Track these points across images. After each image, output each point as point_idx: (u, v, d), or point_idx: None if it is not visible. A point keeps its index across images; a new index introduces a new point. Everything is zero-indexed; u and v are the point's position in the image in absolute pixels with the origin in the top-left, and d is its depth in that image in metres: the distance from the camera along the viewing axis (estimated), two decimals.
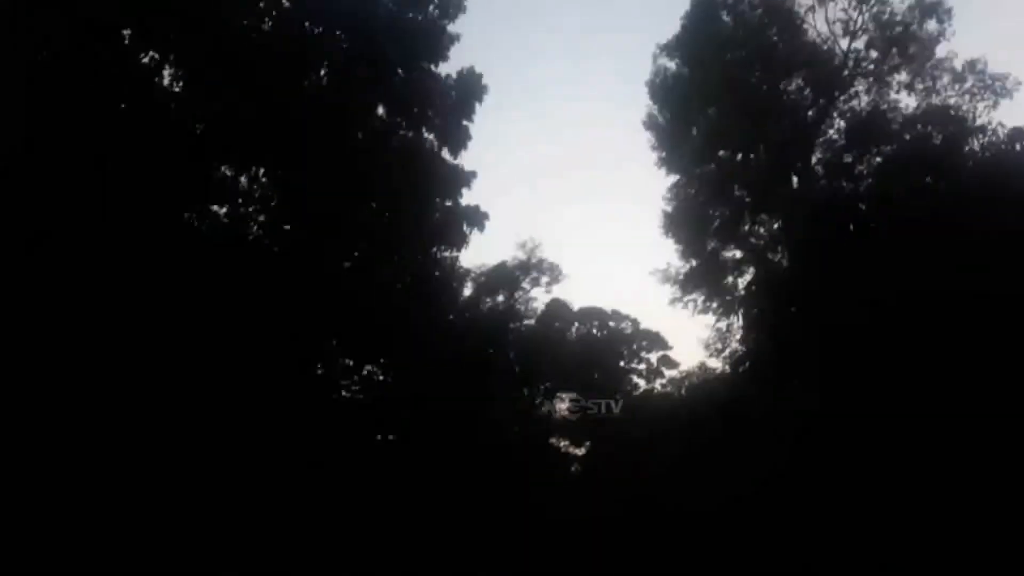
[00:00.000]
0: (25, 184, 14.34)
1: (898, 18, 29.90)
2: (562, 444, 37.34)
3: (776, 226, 30.82)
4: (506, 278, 36.84)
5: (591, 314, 41.15)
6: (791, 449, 22.06)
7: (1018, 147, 23.55)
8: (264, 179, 20.63)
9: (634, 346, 41.40)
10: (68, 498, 13.50)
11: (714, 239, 32.07)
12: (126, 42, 16.98)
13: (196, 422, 15.44)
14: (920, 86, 29.96)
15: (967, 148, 25.13)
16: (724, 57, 30.44)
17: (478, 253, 50.84)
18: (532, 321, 38.16)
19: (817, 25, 30.85)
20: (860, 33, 30.43)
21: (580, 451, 36.24)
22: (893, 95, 30.40)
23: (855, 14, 30.31)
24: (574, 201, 72.16)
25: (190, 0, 17.08)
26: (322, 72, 20.08)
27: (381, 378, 23.16)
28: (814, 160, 30.71)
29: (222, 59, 17.43)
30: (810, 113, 30.85)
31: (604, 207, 77.01)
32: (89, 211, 14.54)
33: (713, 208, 31.80)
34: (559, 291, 39.70)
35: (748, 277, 31.29)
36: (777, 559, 20.94)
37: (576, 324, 40.79)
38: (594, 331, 41.20)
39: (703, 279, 32.21)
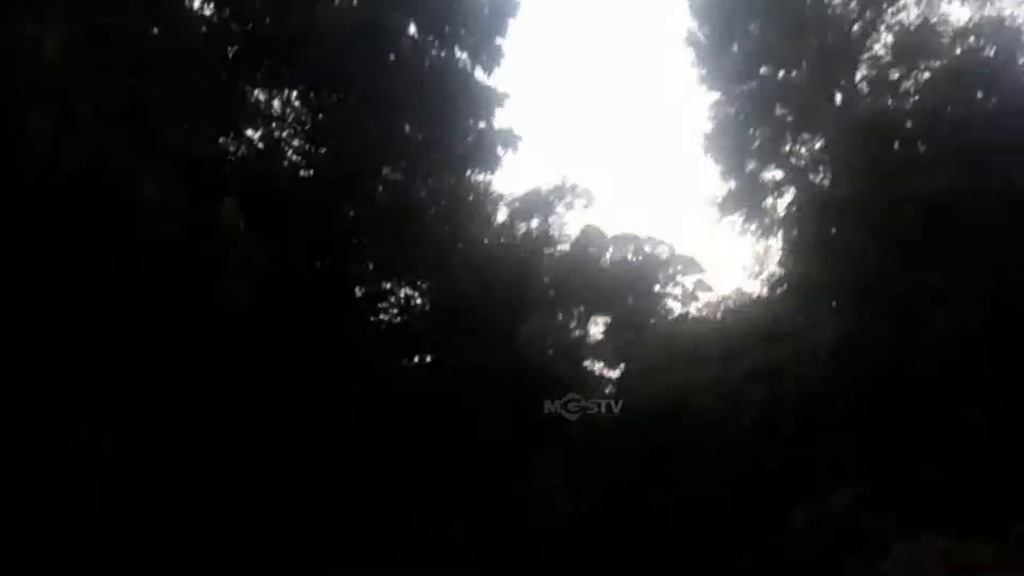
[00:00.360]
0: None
1: None
2: (596, 367, 37.68)
3: (818, 146, 29.95)
4: (540, 203, 36.48)
5: (626, 239, 40.79)
6: (825, 369, 22.06)
7: None
8: (297, 102, 20.62)
9: (669, 271, 41.12)
10: None
11: (754, 159, 31.26)
12: None
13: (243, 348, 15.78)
14: None
15: (1022, 61, 24.05)
16: None
17: (512, 176, 50.10)
18: (566, 246, 37.91)
19: None
20: None
21: (615, 374, 36.52)
22: (945, 6, 28.89)
23: None
24: (609, 123, 70.55)
25: None
26: None
27: (419, 301, 23.49)
28: (859, 77, 29.55)
29: None
30: (856, 27, 29.54)
31: (640, 130, 75.38)
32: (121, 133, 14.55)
33: (753, 127, 30.88)
34: (593, 216, 39.13)
35: (788, 198, 30.64)
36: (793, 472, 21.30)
37: (611, 249, 40.53)
38: (629, 256, 40.93)
39: (742, 200, 31.55)
